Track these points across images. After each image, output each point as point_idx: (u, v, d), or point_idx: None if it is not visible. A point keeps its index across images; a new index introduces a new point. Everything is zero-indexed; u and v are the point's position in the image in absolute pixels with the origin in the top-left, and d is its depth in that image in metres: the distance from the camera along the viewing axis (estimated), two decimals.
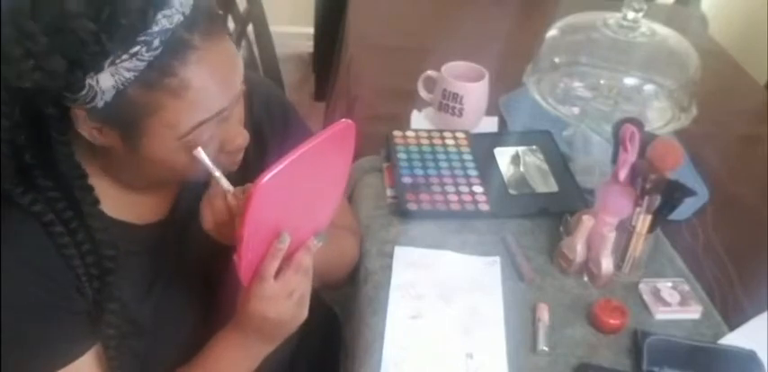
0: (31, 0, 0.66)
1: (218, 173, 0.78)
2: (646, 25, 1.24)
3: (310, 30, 2.72)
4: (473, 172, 1.21)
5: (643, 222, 1.01)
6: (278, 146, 0.95)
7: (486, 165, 1.23)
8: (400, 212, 1.13)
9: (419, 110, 1.38)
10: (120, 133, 0.73)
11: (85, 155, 0.77)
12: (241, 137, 0.80)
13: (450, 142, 1.28)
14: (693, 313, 1.02)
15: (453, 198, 1.16)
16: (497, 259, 1.08)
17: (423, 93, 1.35)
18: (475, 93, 1.29)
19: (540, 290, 1.04)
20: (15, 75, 0.66)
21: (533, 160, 1.26)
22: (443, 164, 1.22)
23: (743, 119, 1.51)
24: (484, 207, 1.15)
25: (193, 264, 0.90)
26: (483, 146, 1.27)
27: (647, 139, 0.99)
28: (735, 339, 0.98)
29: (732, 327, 1.00)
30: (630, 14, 1.23)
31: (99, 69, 0.66)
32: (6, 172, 0.73)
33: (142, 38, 0.66)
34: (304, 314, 0.83)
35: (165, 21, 0.67)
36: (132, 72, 0.67)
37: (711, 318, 1.02)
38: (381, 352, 0.93)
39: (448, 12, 1.80)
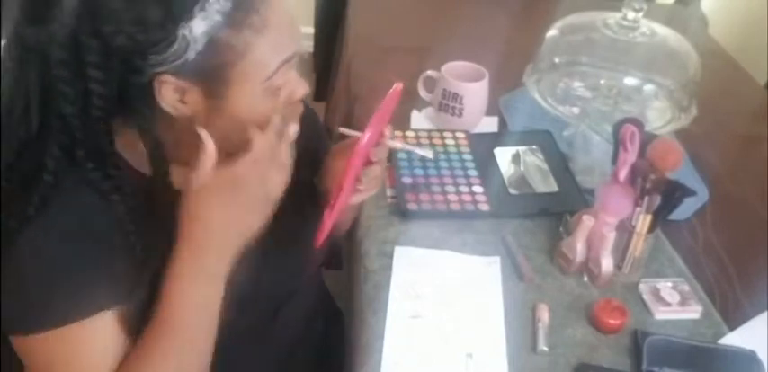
0: None
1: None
2: (646, 25, 1.24)
3: (310, 30, 2.71)
4: (473, 172, 1.21)
5: (643, 222, 1.01)
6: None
7: (486, 165, 1.23)
8: (400, 212, 1.13)
9: (419, 110, 1.38)
10: (205, 90, 0.74)
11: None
12: (303, 87, 0.82)
13: (450, 142, 1.28)
14: (693, 313, 1.02)
15: (453, 198, 1.16)
16: (497, 259, 1.08)
17: (423, 93, 1.35)
18: (475, 92, 1.29)
19: (540, 290, 1.04)
20: (114, 30, 0.68)
21: (533, 160, 1.26)
22: (443, 164, 1.22)
23: (743, 119, 1.51)
24: (484, 207, 1.15)
25: None
26: (483, 146, 1.27)
27: (647, 139, 0.99)
28: (735, 339, 0.98)
29: (732, 327, 1.00)
30: (630, 14, 1.23)
31: (191, 16, 0.69)
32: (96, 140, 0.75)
33: None
34: (255, 218, 0.77)
35: None
36: (221, 13, 0.70)
37: (711, 318, 1.02)
38: (381, 352, 0.93)
39: (448, 12, 1.80)
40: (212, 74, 0.73)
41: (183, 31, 0.69)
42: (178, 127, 0.78)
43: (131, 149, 0.80)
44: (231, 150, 0.77)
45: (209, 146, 0.75)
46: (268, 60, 0.75)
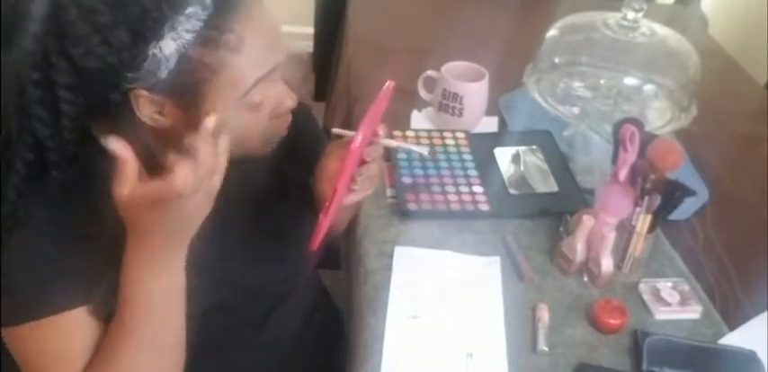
0: None
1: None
2: (646, 25, 1.24)
3: (310, 30, 2.71)
4: (473, 172, 1.21)
5: (643, 222, 1.01)
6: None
7: (486, 165, 1.23)
8: (400, 212, 1.13)
9: (419, 110, 1.38)
10: (181, 104, 0.74)
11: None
12: (290, 99, 0.82)
13: (450, 142, 1.28)
14: (693, 313, 1.02)
15: (453, 198, 1.16)
16: (497, 259, 1.08)
17: (423, 93, 1.35)
18: (475, 93, 1.29)
19: (540, 290, 1.04)
20: (83, 53, 0.68)
21: (533, 160, 1.26)
22: (443, 164, 1.22)
23: (743, 119, 1.51)
24: (484, 207, 1.15)
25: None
26: (483, 146, 1.27)
27: (647, 139, 0.99)
28: (735, 339, 0.98)
29: (732, 327, 1.00)
30: (630, 14, 1.23)
31: (160, 36, 0.69)
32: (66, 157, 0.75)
33: None
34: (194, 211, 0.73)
35: None
36: (191, 33, 0.70)
37: (711, 318, 1.02)
38: (381, 352, 0.93)
39: (448, 12, 1.80)
40: (187, 90, 0.73)
41: (153, 51, 0.69)
42: (161, 135, 0.77)
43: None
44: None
45: (125, 156, 0.70)
46: (244, 77, 0.75)
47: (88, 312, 0.79)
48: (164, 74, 0.70)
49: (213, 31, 0.71)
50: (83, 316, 0.79)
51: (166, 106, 0.74)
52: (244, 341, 1.00)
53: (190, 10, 0.69)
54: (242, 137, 0.78)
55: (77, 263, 0.78)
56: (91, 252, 0.78)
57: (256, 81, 0.76)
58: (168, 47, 0.69)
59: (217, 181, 0.72)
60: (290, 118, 0.85)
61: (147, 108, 0.74)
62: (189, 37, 0.70)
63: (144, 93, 0.72)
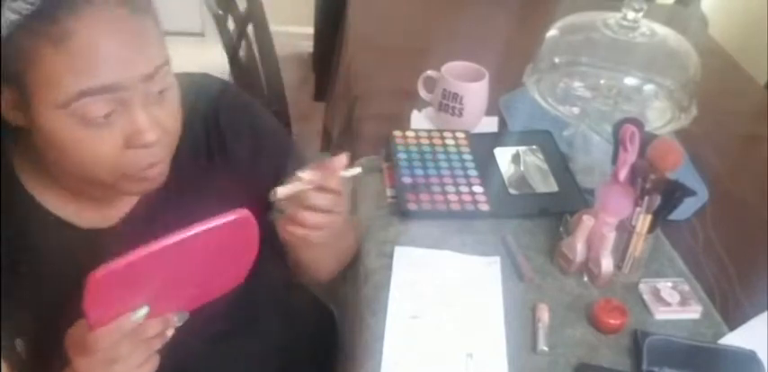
0: None
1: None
2: (646, 25, 1.24)
3: (310, 30, 2.71)
4: (473, 172, 1.21)
5: (643, 222, 1.01)
6: (247, 169, 0.91)
7: (486, 165, 1.23)
8: (400, 212, 1.13)
9: (419, 110, 1.38)
10: (16, 98, 0.70)
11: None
12: (149, 134, 0.72)
13: (450, 142, 1.28)
14: (693, 313, 1.02)
15: (453, 198, 1.16)
16: (497, 259, 1.08)
17: (423, 93, 1.35)
18: (475, 93, 1.29)
19: (540, 290, 1.04)
20: None
21: (533, 160, 1.26)
22: (443, 164, 1.22)
23: (743, 119, 1.50)
24: (484, 207, 1.15)
25: None
26: (483, 146, 1.27)
27: (647, 139, 0.99)
28: (735, 339, 0.98)
29: (732, 327, 1.00)
30: (630, 14, 1.23)
31: None
32: None
33: None
34: None
35: None
36: (16, 14, 0.65)
37: (711, 318, 1.02)
38: (381, 352, 0.93)
39: (448, 12, 1.79)
40: (15, 79, 0.68)
41: None
42: (29, 137, 0.74)
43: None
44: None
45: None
46: (62, 81, 0.67)
47: None
48: None
49: (39, 20, 0.65)
50: None
51: (11, 101, 0.70)
52: (227, 350, 1.00)
53: None
54: (83, 159, 0.73)
55: None
56: None
57: (81, 91, 0.67)
58: None
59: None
60: (152, 160, 0.75)
61: (4, 102, 0.70)
62: (13, 17, 0.65)
63: None
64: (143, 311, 0.70)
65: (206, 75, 0.94)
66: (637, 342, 0.95)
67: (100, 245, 0.80)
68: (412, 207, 1.13)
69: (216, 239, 0.69)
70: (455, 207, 1.14)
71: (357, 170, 0.80)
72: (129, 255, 0.64)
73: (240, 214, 0.70)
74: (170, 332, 0.73)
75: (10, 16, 0.65)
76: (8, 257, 0.78)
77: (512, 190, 1.20)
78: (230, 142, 0.90)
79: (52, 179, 0.81)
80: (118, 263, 0.64)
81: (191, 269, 0.71)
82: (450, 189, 1.17)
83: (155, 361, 0.73)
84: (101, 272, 0.64)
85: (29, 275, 0.79)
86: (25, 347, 0.81)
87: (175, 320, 0.73)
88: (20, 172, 0.81)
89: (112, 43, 0.68)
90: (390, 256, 1.06)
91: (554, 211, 1.14)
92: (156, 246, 0.65)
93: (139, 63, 0.70)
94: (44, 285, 0.80)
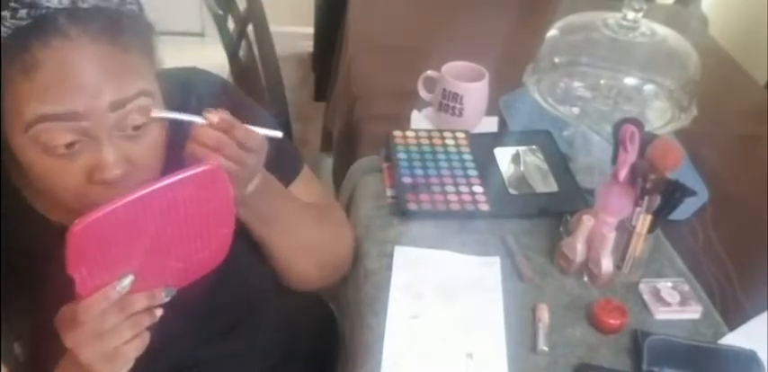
0: None
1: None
2: (646, 25, 1.24)
3: (310, 30, 2.71)
4: (473, 172, 1.21)
5: (643, 222, 1.01)
6: None
7: (486, 165, 1.23)
8: (400, 212, 1.13)
9: (419, 110, 1.38)
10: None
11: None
12: (110, 170, 0.71)
13: (450, 142, 1.28)
14: (693, 313, 1.02)
15: (453, 198, 1.16)
16: (497, 259, 1.08)
17: (423, 93, 1.35)
18: (475, 92, 1.29)
19: (540, 290, 1.04)
20: None
21: (533, 160, 1.26)
22: (443, 164, 1.22)
23: (743, 119, 1.50)
24: (484, 207, 1.15)
25: None
26: (483, 146, 1.27)
27: (647, 139, 0.99)
28: (735, 339, 0.98)
29: (732, 327, 1.00)
30: (630, 14, 1.23)
31: None
32: None
33: (12, 3, 0.65)
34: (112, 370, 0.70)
35: None
36: None
37: (711, 318, 1.02)
38: (381, 352, 0.93)
39: (448, 12, 1.80)
40: None
41: None
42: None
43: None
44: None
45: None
46: (25, 106, 0.67)
47: None
48: None
49: (13, 47, 0.66)
50: None
51: None
52: (229, 351, 1.00)
53: (4, 13, 0.65)
54: (49, 186, 0.73)
55: None
56: None
57: (41, 117, 0.67)
58: None
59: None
60: (116, 193, 0.70)
61: None
62: None
63: None
64: (128, 279, 0.70)
65: (204, 72, 0.95)
66: (637, 342, 0.95)
67: None
68: (412, 207, 1.13)
69: (188, 192, 0.69)
70: (455, 207, 1.14)
71: (278, 133, 0.79)
72: (103, 207, 0.64)
73: (209, 165, 0.70)
74: (159, 312, 0.72)
75: None
76: (5, 261, 0.78)
77: (512, 190, 1.20)
78: None
79: None
80: (93, 215, 0.64)
81: (169, 231, 0.71)
82: (450, 189, 1.17)
83: (144, 339, 0.72)
84: (78, 226, 0.63)
85: (25, 279, 0.79)
86: (23, 350, 0.81)
87: (162, 295, 0.73)
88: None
89: (80, 74, 0.68)
90: (390, 256, 1.06)
91: (554, 211, 1.14)
92: (128, 198, 0.66)
93: (106, 93, 0.69)
94: (41, 288, 0.80)
